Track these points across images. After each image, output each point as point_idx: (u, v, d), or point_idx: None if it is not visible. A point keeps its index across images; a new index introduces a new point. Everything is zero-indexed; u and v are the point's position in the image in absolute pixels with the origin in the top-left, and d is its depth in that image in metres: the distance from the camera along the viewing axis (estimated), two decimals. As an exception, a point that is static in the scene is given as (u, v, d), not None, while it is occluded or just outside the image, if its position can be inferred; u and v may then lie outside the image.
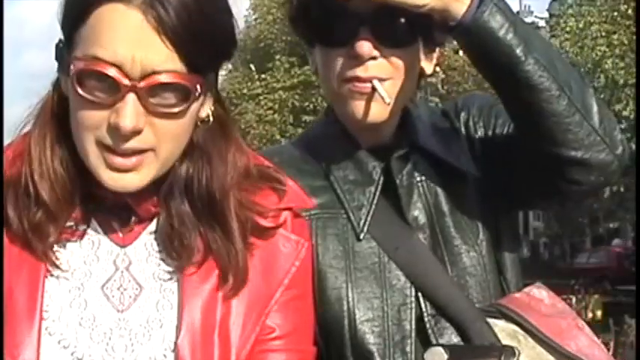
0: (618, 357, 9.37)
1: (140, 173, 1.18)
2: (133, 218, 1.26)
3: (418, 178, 1.56)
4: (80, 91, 1.14)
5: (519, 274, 1.62)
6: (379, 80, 1.47)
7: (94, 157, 1.17)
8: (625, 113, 18.44)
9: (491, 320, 1.48)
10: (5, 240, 1.21)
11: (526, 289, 1.56)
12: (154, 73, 1.13)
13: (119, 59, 1.12)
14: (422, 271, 1.51)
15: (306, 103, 26.68)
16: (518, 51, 1.39)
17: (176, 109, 1.16)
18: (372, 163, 1.55)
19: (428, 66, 1.58)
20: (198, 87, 1.17)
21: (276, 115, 26.91)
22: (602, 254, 31.02)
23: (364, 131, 1.55)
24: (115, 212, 1.26)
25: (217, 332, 1.22)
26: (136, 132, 1.14)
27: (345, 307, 1.48)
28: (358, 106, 1.49)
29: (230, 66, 29.44)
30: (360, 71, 1.46)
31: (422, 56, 1.54)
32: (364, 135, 1.56)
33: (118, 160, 1.16)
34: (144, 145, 1.16)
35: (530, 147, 1.48)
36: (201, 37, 1.15)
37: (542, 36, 1.52)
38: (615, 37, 19.93)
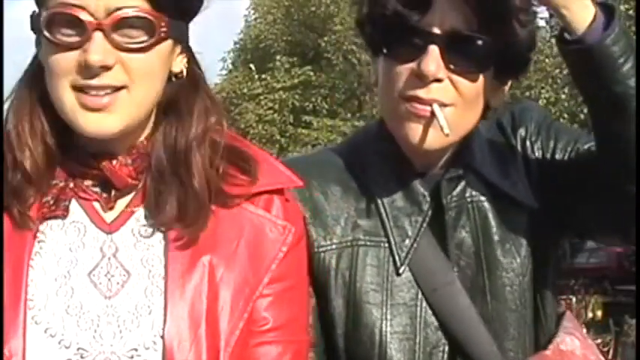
0: (618, 357, 9.36)
1: (114, 114, 1.20)
2: (113, 192, 1.27)
3: (469, 200, 1.49)
4: (50, 36, 1.18)
5: (555, 303, 1.57)
6: (440, 105, 1.38)
7: (69, 103, 1.20)
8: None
9: None
10: None
11: (557, 339, 1.50)
12: (117, 9, 1.17)
13: (84, 1, 1.17)
14: (456, 318, 1.45)
15: (306, 103, 26.65)
16: (632, 82, 1.29)
17: (142, 44, 1.20)
18: (423, 191, 1.48)
19: (495, 99, 1.48)
20: (163, 25, 1.20)
21: (276, 115, 26.88)
22: (602, 254, 30.94)
23: (418, 154, 1.47)
24: (95, 188, 1.27)
25: (205, 319, 1.21)
26: (105, 68, 1.18)
27: (377, 349, 1.45)
28: (414, 129, 1.40)
29: (230, 66, 29.46)
30: (421, 92, 1.38)
31: (491, 87, 1.44)
32: (418, 157, 1.48)
33: (91, 99, 1.19)
34: (115, 81, 1.19)
35: (612, 179, 1.38)
36: None
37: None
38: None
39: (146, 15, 1.19)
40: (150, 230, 1.26)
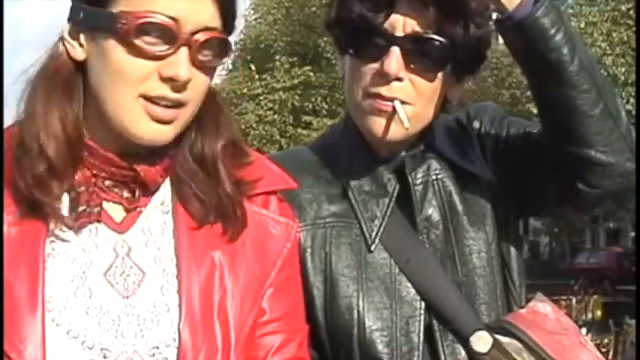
0: (618, 357, 9.37)
1: (173, 126, 1.22)
2: (137, 192, 1.27)
3: (433, 177, 1.58)
4: (138, 42, 1.16)
5: (524, 275, 1.64)
6: (401, 102, 1.47)
7: (134, 111, 1.19)
8: (628, 107, 18.43)
9: (496, 336, 1.50)
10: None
11: (530, 304, 1.58)
12: (206, 29, 1.18)
13: (175, 13, 1.16)
14: (431, 284, 1.53)
15: (306, 103, 26.66)
16: (565, 51, 1.40)
17: (216, 64, 1.22)
18: (388, 175, 1.57)
19: (453, 94, 1.57)
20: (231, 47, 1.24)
21: (276, 116, 26.89)
22: (602, 254, 31.05)
23: (381, 144, 1.56)
24: (115, 189, 1.26)
25: (216, 315, 1.23)
26: (188, 83, 1.18)
27: (355, 316, 1.50)
28: (377, 123, 1.50)
29: (230, 66, 29.47)
30: (384, 90, 1.47)
31: (448, 83, 1.54)
32: (382, 146, 1.57)
33: (160, 111, 1.19)
34: (184, 98, 1.20)
35: (557, 147, 1.48)
36: (233, 2, 1.23)
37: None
38: (615, 34, 19.94)
39: (226, 38, 1.24)
40: (160, 229, 1.28)
